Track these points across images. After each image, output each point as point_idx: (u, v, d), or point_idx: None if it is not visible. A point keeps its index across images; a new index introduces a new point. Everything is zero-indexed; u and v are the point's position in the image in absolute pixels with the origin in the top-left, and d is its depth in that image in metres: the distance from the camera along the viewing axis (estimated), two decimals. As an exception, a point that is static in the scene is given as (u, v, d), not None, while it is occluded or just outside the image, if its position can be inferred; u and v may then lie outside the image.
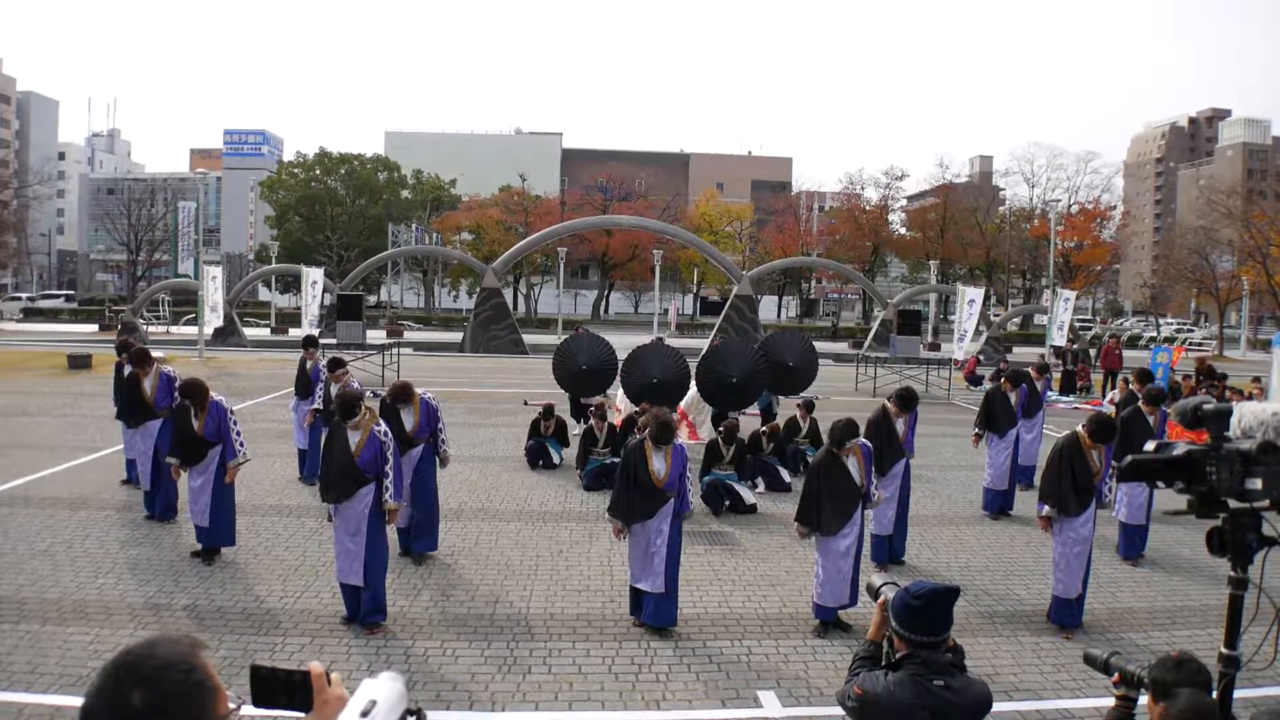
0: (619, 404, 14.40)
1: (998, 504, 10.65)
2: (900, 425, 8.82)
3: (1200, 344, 52.81)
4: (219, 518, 7.94)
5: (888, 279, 77.28)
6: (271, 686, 1.64)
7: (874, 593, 3.20)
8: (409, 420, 8.24)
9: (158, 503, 9.25)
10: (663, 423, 6.80)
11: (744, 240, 72.89)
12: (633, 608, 6.77)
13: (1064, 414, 20.07)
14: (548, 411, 12.93)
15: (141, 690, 1.40)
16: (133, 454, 10.17)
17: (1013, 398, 11.26)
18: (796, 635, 6.62)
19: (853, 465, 6.90)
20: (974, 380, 25.04)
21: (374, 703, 1.59)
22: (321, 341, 22.24)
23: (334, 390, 9.86)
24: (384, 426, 6.85)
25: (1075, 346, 27.57)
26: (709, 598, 7.40)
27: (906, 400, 8.88)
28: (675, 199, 79.54)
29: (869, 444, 7.29)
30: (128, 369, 10.16)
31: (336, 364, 10.60)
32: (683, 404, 14.11)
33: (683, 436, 14.23)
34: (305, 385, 11.61)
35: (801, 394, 16.61)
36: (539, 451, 12.48)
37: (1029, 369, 12.53)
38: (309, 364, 11.69)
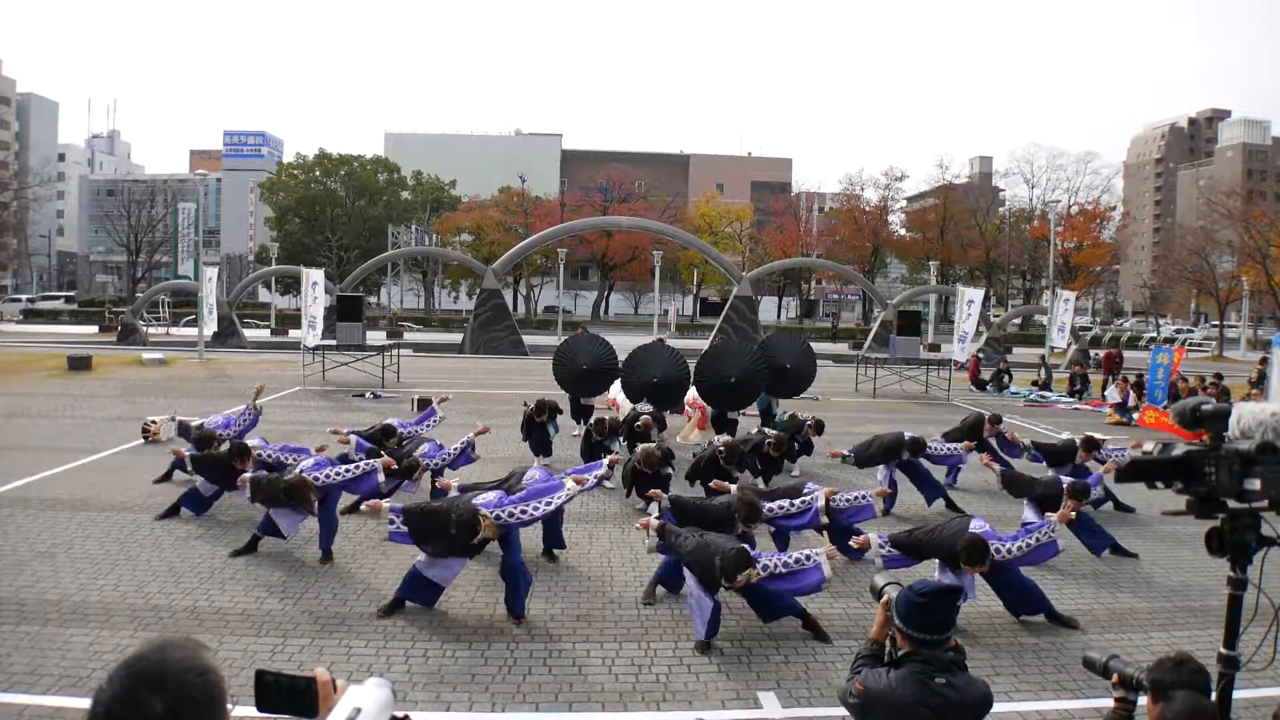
0: (618, 400, 14.45)
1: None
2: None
3: (1200, 344, 52.87)
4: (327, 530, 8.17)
5: (887, 280, 77.33)
6: (276, 692, 1.63)
7: (877, 593, 3.21)
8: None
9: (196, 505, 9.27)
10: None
11: (744, 241, 72.98)
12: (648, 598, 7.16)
13: (1064, 414, 20.10)
14: (539, 407, 12.31)
15: (163, 697, 1.39)
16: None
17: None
18: (796, 635, 6.62)
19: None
20: (978, 384, 24.99)
21: (359, 710, 1.56)
22: (320, 342, 22.29)
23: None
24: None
25: (1074, 346, 27.55)
26: (709, 598, 7.39)
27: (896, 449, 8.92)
28: (675, 200, 79.67)
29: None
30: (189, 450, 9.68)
31: (388, 433, 10.31)
32: (691, 395, 14.16)
33: (695, 436, 14.22)
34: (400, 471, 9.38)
35: (800, 395, 16.63)
36: (541, 443, 12.12)
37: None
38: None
